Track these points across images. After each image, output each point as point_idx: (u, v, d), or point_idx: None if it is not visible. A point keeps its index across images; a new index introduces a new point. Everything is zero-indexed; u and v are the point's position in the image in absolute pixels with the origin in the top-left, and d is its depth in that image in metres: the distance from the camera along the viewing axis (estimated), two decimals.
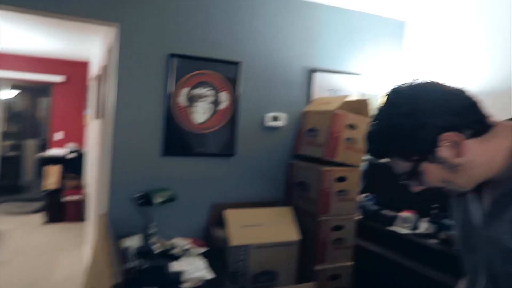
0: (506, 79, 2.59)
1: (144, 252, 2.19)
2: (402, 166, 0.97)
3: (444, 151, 0.92)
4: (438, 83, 0.97)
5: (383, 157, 1.01)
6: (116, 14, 2.51)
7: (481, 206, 0.99)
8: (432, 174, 0.95)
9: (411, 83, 0.98)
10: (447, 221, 2.49)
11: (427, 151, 0.93)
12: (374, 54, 3.39)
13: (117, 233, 2.46)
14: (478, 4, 2.89)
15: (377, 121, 0.99)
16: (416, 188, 1.00)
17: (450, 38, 3.09)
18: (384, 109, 0.98)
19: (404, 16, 3.41)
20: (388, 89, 1.00)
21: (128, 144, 2.60)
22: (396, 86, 0.99)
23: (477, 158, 0.92)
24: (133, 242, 2.35)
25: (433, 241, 2.48)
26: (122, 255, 2.07)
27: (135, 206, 2.58)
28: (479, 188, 1.00)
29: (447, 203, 1.15)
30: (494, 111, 2.65)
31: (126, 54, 2.56)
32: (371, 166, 3.29)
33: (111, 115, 2.56)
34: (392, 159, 0.99)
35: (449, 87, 0.96)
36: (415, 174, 0.96)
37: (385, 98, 0.99)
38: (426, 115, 0.91)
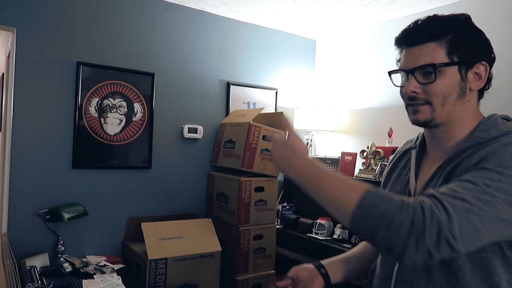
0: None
1: (50, 271, 2.02)
2: (435, 56, 0.88)
3: (477, 72, 0.90)
4: None
5: (426, 38, 0.90)
6: (12, 18, 2.35)
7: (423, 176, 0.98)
8: (448, 81, 0.89)
9: None
10: None
11: (472, 58, 0.89)
12: (289, 70, 3.55)
13: (19, 253, 2.24)
14: (373, 27, 3.19)
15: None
16: (412, 87, 0.91)
17: (355, 56, 3.35)
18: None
19: (315, 35, 3.63)
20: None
21: (30, 157, 2.41)
22: None
23: (469, 108, 0.92)
24: (38, 262, 2.16)
25: (346, 246, 2.59)
26: (25, 276, 1.88)
27: (40, 223, 2.38)
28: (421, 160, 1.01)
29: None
30: (395, 123, 2.86)
31: (24, 61, 2.40)
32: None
33: (9, 126, 2.37)
34: (430, 45, 0.89)
35: None
36: (436, 71, 0.88)
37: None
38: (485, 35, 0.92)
